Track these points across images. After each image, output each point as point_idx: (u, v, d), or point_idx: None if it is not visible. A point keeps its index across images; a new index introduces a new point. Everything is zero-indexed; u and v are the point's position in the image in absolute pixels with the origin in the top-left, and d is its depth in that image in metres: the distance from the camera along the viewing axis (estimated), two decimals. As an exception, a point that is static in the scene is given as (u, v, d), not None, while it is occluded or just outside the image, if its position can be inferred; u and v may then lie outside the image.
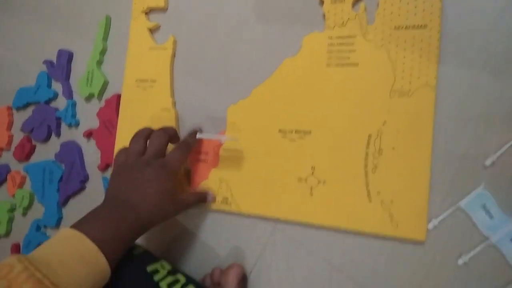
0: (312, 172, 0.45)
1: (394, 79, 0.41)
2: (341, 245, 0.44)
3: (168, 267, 0.46)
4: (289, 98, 0.47)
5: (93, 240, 0.36)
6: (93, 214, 0.41)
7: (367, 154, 0.42)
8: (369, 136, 0.42)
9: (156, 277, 0.43)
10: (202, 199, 0.50)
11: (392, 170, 0.41)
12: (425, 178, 0.40)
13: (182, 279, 0.43)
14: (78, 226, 0.38)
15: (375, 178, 0.42)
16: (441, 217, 0.40)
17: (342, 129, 0.44)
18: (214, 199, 0.50)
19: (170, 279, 0.44)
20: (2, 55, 0.76)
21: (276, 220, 0.48)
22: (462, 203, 0.39)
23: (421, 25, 0.40)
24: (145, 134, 0.48)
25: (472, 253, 0.38)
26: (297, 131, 0.46)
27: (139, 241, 0.49)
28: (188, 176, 0.52)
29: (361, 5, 0.43)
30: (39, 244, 0.64)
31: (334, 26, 0.44)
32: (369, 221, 0.42)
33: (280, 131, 0.47)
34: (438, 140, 0.40)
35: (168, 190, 0.44)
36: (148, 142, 0.47)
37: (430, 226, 0.40)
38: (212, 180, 0.51)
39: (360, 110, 0.43)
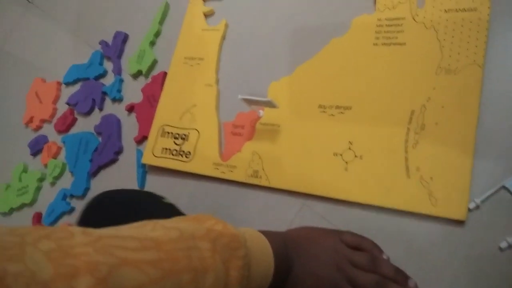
0: (349, 147, 0.44)
1: (441, 57, 0.42)
2: (373, 223, 0.42)
3: None
4: (333, 76, 0.48)
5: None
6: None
7: (408, 129, 0.42)
8: (412, 112, 0.42)
9: None
10: None
11: (434, 146, 0.40)
12: (468, 155, 0.39)
13: None
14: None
15: (415, 154, 0.41)
16: (483, 197, 0.38)
17: (385, 104, 0.44)
18: None
19: None
20: (60, 36, 0.82)
21: (306, 197, 0.46)
22: (507, 182, 0.37)
23: (471, 8, 0.42)
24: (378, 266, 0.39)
25: (517, 236, 0.36)
26: (337, 107, 0.46)
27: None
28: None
29: (413, -10, 0.45)
30: (61, 214, 0.65)
31: (384, 9, 0.46)
32: (406, 198, 0.40)
33: (320, 106, 0.48)
34: (484, 118, 0.39)
35: None
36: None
37: (471, 205, 0.38)
38: (244, 152, 0.51)
39: (404, 86, 0.43)
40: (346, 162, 0.44)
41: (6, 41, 0.93)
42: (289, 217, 0.47)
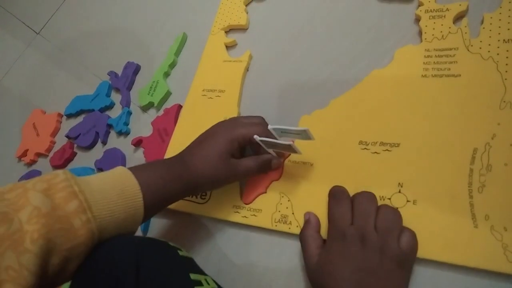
0: (399, 190, 0.38)
1: (505, 90, 0.37)
2: (432, 283, 0.35)
3: (213, 284, 0.37)
4: (374, 109, 0.43)
5: (138, 179, 0.36)
6: (150, 162, 0.42)
7: (471, 170, 0.36)
8: (475, 150, 0.36)
9: None
10: (266, 165, 0.43)
11: (505, 190, 0.34)
12: (550, 202, 0.32)
13: None
14: (132, 167, 0.38)
15: (482, 199, 0.35)
16: None
17: (440, 141, 0.38)
18: (280, 165, 0.44)
19: None
20: (66, 67, 0.78)
21: (346, 248, 0.39)
22: None
23: (535, 38, 0.38)
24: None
25: None
26: (382, 143, 0.41)
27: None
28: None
29: (464, 20, 0.42)
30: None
31: (433, 39, 0.42)
32: (475, 252, 0.33)
33: (360, 142, 0.42)
34: None
35: (224, 150, 0.41)
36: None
37: (561, 263, 0.31)
38: (271, 194, 0.44)
39: (463, 121, 0.38)
40: (397, 208, 0.37)
41: (10, 71, 0.89)
42: (324, 272, 0.39)
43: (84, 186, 0.32)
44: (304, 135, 0.40)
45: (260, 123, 0.43)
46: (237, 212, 0.45)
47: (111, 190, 0.34)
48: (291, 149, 0.40)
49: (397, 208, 0.36)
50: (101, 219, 0.32)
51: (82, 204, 0.31)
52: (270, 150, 0.44)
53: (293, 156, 0.45)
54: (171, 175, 0.39)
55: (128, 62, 0.66)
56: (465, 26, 0.41)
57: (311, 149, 0.43)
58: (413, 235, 0.34)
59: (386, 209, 0.35)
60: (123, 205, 0.34)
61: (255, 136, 0.41)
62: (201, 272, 0.38)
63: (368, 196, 0.36)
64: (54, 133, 0.69)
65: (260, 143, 0.41)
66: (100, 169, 0.59)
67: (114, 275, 0.34)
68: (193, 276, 0.35)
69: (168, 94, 0.59)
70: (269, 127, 0.41)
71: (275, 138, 0.41)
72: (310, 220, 0.39)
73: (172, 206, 0.48)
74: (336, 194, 0.38)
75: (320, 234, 0.38)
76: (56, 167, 0.65)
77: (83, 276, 0.35)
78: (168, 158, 0.42)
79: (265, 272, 0.42)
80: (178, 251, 0.37)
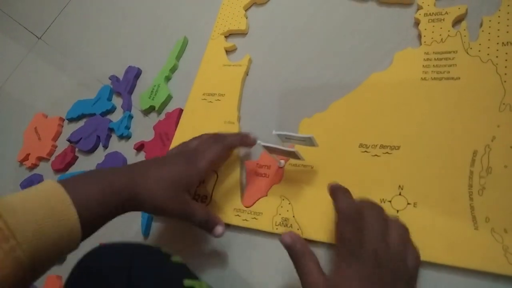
0: (399, 192, 0.38)
1: (504, 92, 0.37)
2: (432, 286, 0.35)
3: None
4: (374, 112, 0.43)
5: (71, 193, 0.31)
6: (89, 173, 0.36)
7: (471, 172, 0.36)
8: (475, 152, 0.36)
9: None
10: (209, 226, 0.41)
11: (505, 192, 0.34)
12: (550, 204, 0.33)
13: None
14: (68, 179, 0.34)
15: (483, 201, 0.35)
16: None
17: (440, 144, 0.38)
18: (221, 235, 0.41)
19: None
20: (67, 71, 0.78)
21: (347, 251, 0.39)
22: None
23: (534, 41, 0.38)
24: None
25: None
26: (382, 146, 0.41)
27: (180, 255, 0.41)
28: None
29: (463, 23, 0.42)
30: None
31: (432, 43, 0.42)
32: (475, 254, 0.33)
33: (361, 145, 0.42)
34: None
35: (182, 181, 0.39)
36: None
37: (561, 265, 0.31)
38: (271, 197, 0.44)
39: (462, 124, 0.38)
40: (397, 210, 0.38)
41: (12, 75, 0.89)
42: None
43: (4, 208, 0.28)
44: (309, 142, 0.40)
45: (215, 141, 0.44)
46: (238, 215, 0.45)
47: (38, 209, 0.30)
48: (293, 155, 0.41)
49: (398, 210, 0.37)
50: (28, 244, 0.28)
51: (3, 232, 0.27)
52: (273, 155, 0.44)
53: (293, 160, 0.45)
54: (112, 189, 0.35)
55: (129, 66, 0.67)
56: (464, 29, 0.42)
57: (312, 152, 0.44)
58: (418, 255, 0.33)
59: (395, 226, 0.33)
60: (53, 225, 0.30)
61: (259, 141, 0.42)
62: (195, 278, 0.37)
63: (378, 214, 0.33)
64: (56, 137, 0.70)
65: (263, 148, 0.42)
66: (102, 173, 0.60)
67: (106, 282, 0.33)
68: (186, 282, 0.35)
69: (169, 98, 0.60)
70: (274, 132, 0.41)
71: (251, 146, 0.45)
72: (292, 238, 0.33)
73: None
74: (346, 212, 0.34)
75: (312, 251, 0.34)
76: (57, 171, 0.65)
77: (74, 284, 0.35)
78: (114, 169, 0.38)
79: (265, 275, 0.42)
80: (171, 257, 0.37)
